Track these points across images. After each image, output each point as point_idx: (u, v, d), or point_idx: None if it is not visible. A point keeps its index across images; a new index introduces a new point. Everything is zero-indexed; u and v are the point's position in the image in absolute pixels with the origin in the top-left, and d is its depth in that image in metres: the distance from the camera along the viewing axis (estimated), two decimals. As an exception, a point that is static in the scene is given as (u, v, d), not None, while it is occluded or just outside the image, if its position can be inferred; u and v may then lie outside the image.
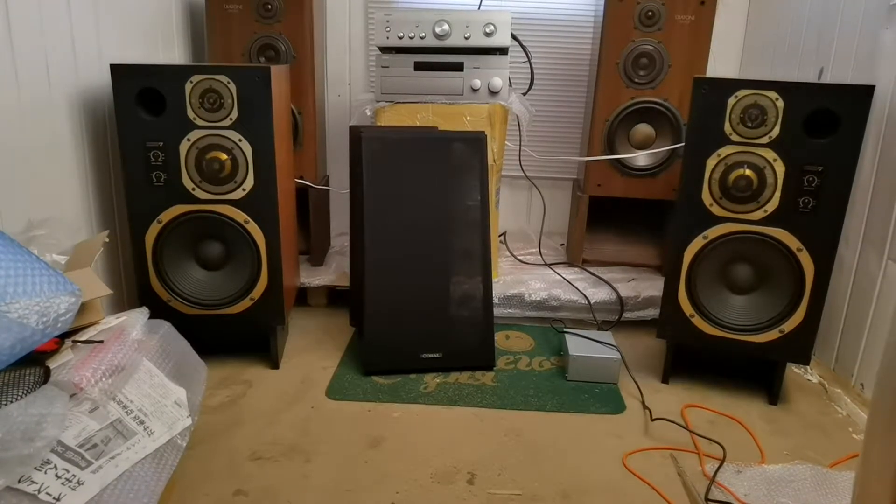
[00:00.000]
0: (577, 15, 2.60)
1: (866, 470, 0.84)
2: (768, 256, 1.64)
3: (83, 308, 1.23)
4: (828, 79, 1.94)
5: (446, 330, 1.85)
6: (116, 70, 1.58)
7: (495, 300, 2.12)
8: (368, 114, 2.12)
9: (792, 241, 1.60)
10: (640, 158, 2.26)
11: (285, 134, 1.89)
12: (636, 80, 2.18)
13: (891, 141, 1.66)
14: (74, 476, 0.97)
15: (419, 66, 2.07)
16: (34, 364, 1.07)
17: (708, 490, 1.36)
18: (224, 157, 1.65)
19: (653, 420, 1.65)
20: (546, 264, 2.42)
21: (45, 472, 0.95)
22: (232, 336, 1.89)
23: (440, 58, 2.07)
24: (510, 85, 2.15)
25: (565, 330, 2.01)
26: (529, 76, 2.34)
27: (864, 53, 1.77)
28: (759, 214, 1.62)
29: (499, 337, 2.09)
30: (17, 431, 0.90)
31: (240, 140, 1.64)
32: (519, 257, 2.50)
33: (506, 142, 2.20)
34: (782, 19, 2.27)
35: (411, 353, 1.83)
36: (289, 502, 1.31)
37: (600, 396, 1.76)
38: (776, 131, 1.57)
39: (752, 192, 1.61)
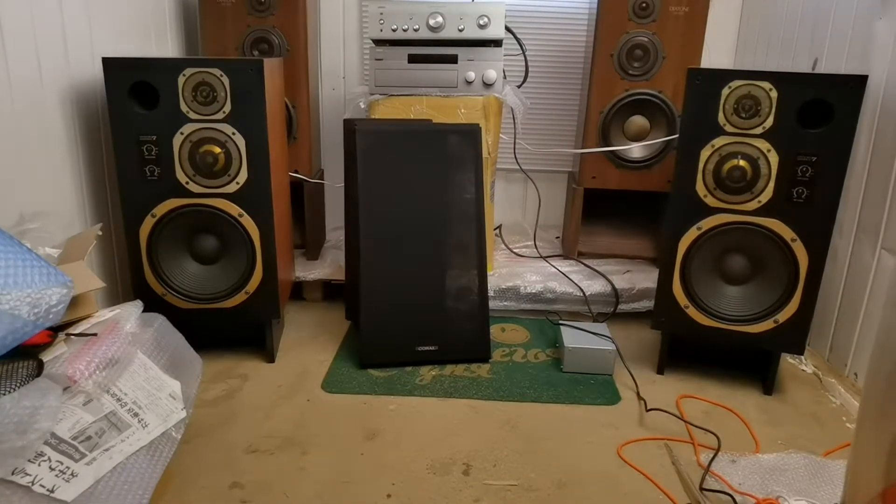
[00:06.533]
0: (572, 7, 2.59)
1: (858, 457, 0.84)
2: (762, 247, 1.64)
3: (77, 301, 1.23)
4: (822, 69, 1.94)
5: (442, 323, 1.85)
6: (109, 63, 1.57)
7: (491, 293, 2.12)
8: (363, 107, 2.12)
9: (786, 232, 1.61)
10: (635, 150, 2.26)
11: (279, 127, 1.88)
12: (630, 72, 2.18)
13: (884, 130, 1.66)
14: (68, 468, 0.97)
15: (413, 59, 2.07)
16: (27, 357, 1.06)
17: (702, 479, 1.37)
18: (218, 150, 1.64)
19: (648, 411, 1.66)
20: (541, 257, 2.42)
21: (39, 465, 0.95)
22: (227, 330, 1.89)
23: (434, 50, 2.06)
24: (504, 77, 2.15)
25: (560, 322, 2.01)
26: (524, 68, 2.34)
27: (857, 43, 1.77)
28: (753, 205, 1.62)
29: (494, 329, 2.10)
30: (10, 423, 0.90)
31: (233, 133, 1.64)
32: (514, 250, 2.50)
33: (500, 134, 2.20)
34: (777, 10, 2.27)
35: (407, 346, 1.83)
36: (285, 495, 1.31)
37: (595, 388, 1.76)
38: (770, 122, 1.57)
39: (745, 183, 1.61)
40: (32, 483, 0.93)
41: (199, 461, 1.41)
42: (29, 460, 0.94)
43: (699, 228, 1.67)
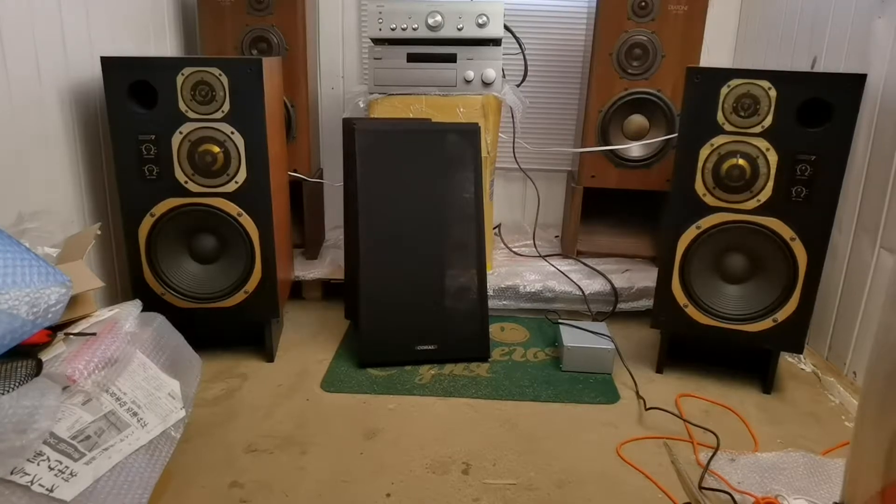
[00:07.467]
0: (571, 5, 2.59)
1: (857, 455, 0.84)
2: (761, 246, 1.64)
3: (76, 301, 1.23)
4: (821, 68, 1.94)
5: (441, 322, 1.85)
6: (107, 63, 1.57)
7: (490, 292, 2.12)
8: (362, 106, 2.12)
9: (785, 231, 1.61)
10: (634, 149, 2.26)
11: (278, 126, 1.88)
12: (630, 71, 2.18)
13: (883, 129, 1.66)
14: (67, 467, 0.97)
15: (412, 58, 2.07)
16: (26, 356, 1.06)
17: (702, 478, 1.37)
18: (216, 149, 1.64)
19: (647, 409, 1.66)
20: (541, 256, 2.42)
21: (38, 464, 0.95)
22: (226, 329, 1.89)
23: (433, 49, 2.06)
24: (503, 76, 2.15)
25: (560, 321, 2.01)
26: (523, 67, 2.34)
27: (856, 42, 1.77)
28: (752, 204, 1.62)
29: (494, 328, 2.10)
30: (9, 423, 0.89)
31: (232, 133, 1.64)
32: (514, 249, 2.50)
33: (499, 133, 2.20)
34: (776, 8, 2.27)
35: (406, 346, 1.83)
36: (284, 494, 1.31)
37: (595, 386, 1.76)
38: (769, 120, 1.57)
39: (745, 182, 1.61)
40: (31, 482, 0.93)
41: (199, 460, 1.41)
42: (28, 460, 0.94)
43: (698, 227, 1.67)
